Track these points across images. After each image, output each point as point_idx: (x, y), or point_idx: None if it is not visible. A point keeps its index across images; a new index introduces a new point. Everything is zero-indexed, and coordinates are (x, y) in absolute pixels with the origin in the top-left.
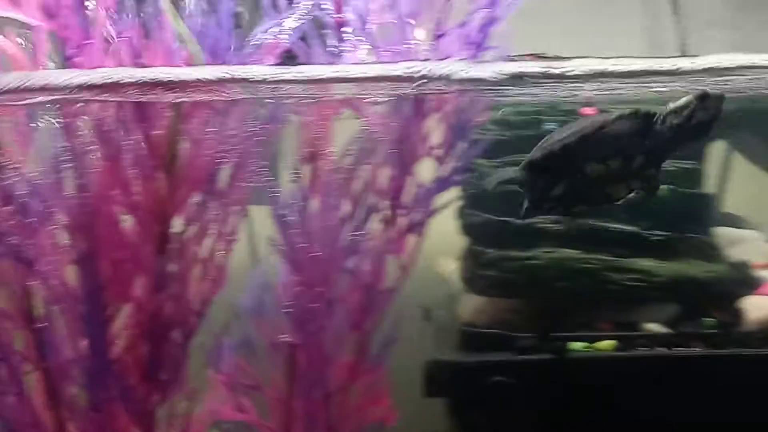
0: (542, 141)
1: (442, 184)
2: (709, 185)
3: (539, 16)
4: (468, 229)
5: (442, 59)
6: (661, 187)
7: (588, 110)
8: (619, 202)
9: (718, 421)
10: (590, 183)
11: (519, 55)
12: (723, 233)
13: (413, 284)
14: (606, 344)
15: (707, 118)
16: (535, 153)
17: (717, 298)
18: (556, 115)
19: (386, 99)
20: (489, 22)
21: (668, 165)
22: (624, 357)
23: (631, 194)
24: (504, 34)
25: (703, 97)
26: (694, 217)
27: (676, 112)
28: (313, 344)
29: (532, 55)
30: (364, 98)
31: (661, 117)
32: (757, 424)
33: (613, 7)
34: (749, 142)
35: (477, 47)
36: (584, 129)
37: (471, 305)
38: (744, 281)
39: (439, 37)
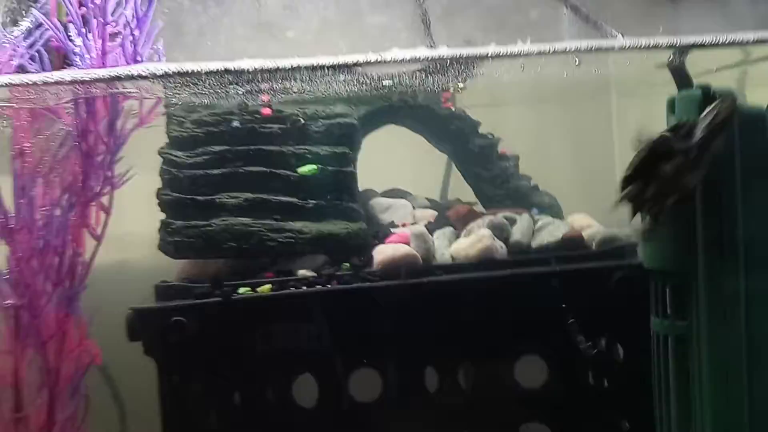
0: None
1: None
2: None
3: None
4: (162, 205)
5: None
6: (313, 166)
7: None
8: None
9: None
10: None
11: None
12: (377, 202)
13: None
14: (265, 288)
15: None
16: None
17: (353, 248)
18: (244, 114)
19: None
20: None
21: (321, 150)
22: (277, 296)
23: None
24: None
25: None
26: (339, 188)
27: None
28: (30, 304)
29: None
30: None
31: None
32: (376, 339)
33: None
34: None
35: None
36: None
37: (179, 266)
38: (376, 235)
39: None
